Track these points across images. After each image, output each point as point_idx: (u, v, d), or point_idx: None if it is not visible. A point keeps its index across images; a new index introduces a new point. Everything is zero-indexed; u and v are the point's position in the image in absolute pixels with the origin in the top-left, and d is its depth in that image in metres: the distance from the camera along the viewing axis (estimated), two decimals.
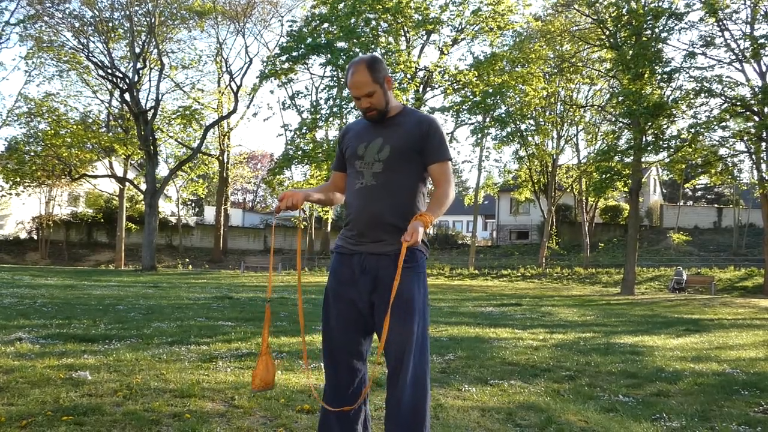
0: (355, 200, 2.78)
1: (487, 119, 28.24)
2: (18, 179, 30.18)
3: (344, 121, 25.72)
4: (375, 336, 2.88)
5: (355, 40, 24.39)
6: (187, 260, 36.42)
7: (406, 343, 2.65)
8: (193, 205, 55.85)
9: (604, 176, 22.82)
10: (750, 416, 4.43)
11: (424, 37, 28.42)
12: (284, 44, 26.52)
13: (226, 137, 39.28)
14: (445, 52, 27.91)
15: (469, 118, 28.64)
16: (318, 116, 25.85)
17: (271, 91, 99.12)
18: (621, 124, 24.90)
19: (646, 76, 21.09)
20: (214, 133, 37.79)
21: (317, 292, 16.66)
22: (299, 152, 25.53)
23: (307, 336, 7.62)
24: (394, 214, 2.71)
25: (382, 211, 2.70)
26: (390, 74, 2.83)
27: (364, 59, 2.76)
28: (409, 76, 24.66)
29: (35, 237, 38.59)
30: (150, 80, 32.33)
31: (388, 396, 2.71)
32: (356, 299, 2.73)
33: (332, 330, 2.79)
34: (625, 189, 25.09)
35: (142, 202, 33.48)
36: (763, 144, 21.76)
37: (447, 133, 2.91)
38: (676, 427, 4.08)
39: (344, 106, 24.85)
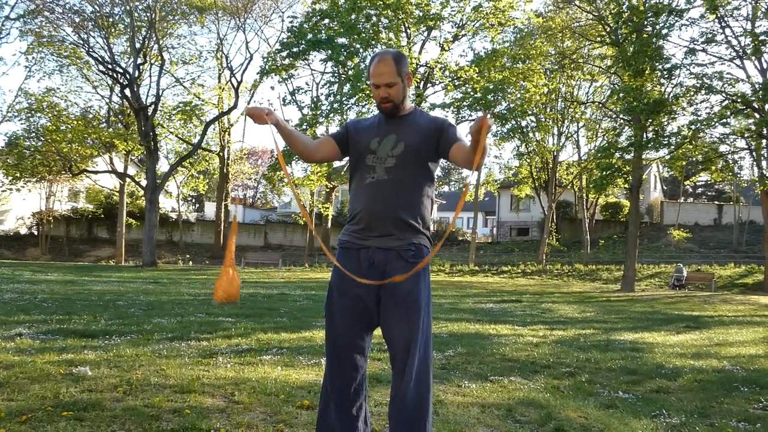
0: (365, 194, 2.77)
1: (488, 115, 28.15)
2: (18, 174, 30.17)
3: (345, 117, 25.69)
4: (375, 332, 2.89)
5: (355, 36, 24.37)
6: (188, 256, 36.39)
7: (412, 339, 2.67)
8: (193, 200, 55.87)
9: (604, 173, 22.80)
10: (749, 413, 4.43)
11: (425, 34, 28.39)
12: (285, 40, 26.50)
13: (227, 133, 39.25)
14: (446, 48, 27.87)
15: (470, 115, 28.59)
16: (319, 112, 25.83)
17: (272, 87, 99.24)
18: (621, 121, 24.90)
19: (646, 72, 21.06)
20: (214, 129, 37.77)
21: (318, 288, 16.68)
22: None
23: (307, 332, 7.63)
24: (404, 210, 2.73)
25: (393, 205, 2.71)
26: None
27: (390, 51, 2.82)
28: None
29: (35, 232, 38.61)
30: (150, 76, 32.33)
31: (393, 391, 2.72)
32: (362, 294, 2.73)
33: (337, 327, 2.78)
34: (626, 186, 25.08)
35: (143, 198, 33.46)
36: (764, 141, 21.75)
37: None
38: (675, 423, 4.08)
39: (345, 102, 24.84)
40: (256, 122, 2.66)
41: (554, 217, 37.83)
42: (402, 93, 2.78)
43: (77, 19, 29.75)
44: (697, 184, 51.69)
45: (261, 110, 2.67)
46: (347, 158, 2.94)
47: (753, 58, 21.08)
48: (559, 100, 34.13)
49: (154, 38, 29.99)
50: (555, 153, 35.36)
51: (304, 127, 25.41)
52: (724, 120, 21.24)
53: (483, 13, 26.29)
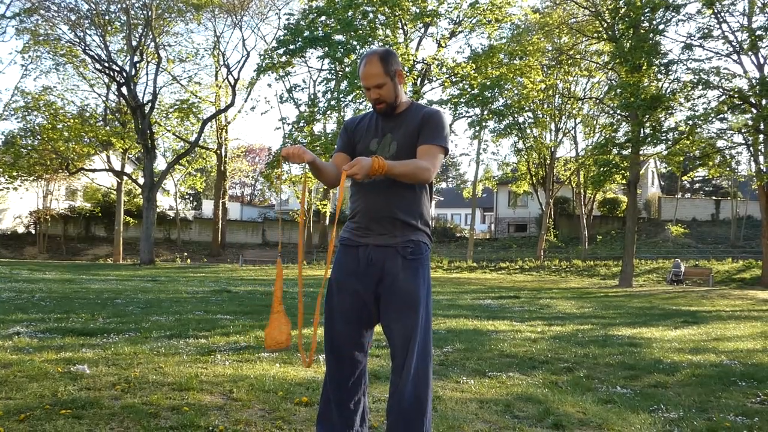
0: (364, 194, 2.79)
1: (485, 112, 28.21)
2: (15, 173, 30.09)
3: (342, 114, 25.67)
4: (374, 329, 2.90)
5: (352, 33, 24.33)
6: (186, 254, 36.37)
7: (411, 335, 2.67)
8: (191, 198, 55.77)
9: (602, 169, 22.82)
10: (747, 407, 4.44)
11: (422, 30, 28.36)
12: (281, 37, 26.45)
13: (224, 131, 39.22)
14: (443, 44, 27.84)
15: (467, 111, 28.61)
16: (316, 109, 25.80)
17: (269, 85, 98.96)
18: (619, 117, 24.90)
19: (643, 68, 21.06)
20: (211, 127, 37.73)
21: (316, 285, 16.66)
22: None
23: (305, 329, 7.62)
24: (400, 209, 2.74)
25: (389, 205, 2.73)
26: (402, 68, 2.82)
27: (377, 51, 2.77)
28: (406, 69, 24.60)
29: (33, 231, 38.54)
30: (147, 74, 32.29)
31: (392, 387, 2.72)
32: (361, 291, 2.74)
33: (336, 323, 2.79)
34: (623, 181, 25.09)
35: (140, 196, 33.42)
36: (761, 136, 21.76)
37: None
38: (673, 418, 4.09)
39: (342, 99, 24.80)
40: (293, 162, 2.60)
41: (552, 213, 37.88)
42: (393, 91, 2.77)
43: (73, 17, 29.68)
44: (695, 179, 51.77)
45: (296, 149, 2.58)
46: None
47: (750, 53, 21.08)
48: (557, 96, 34.15)
49: (151, 36, 29.92)
50: (552, 149, 35.40)
51: (301, 124, 25.38)
52: (721, 115, 21.25)
53: (480, 9, 26.26)
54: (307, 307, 10.63)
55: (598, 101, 31.11)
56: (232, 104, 33.87)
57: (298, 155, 2.55)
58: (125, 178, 33.41)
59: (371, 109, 2.92)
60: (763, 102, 20.39)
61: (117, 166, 34.59)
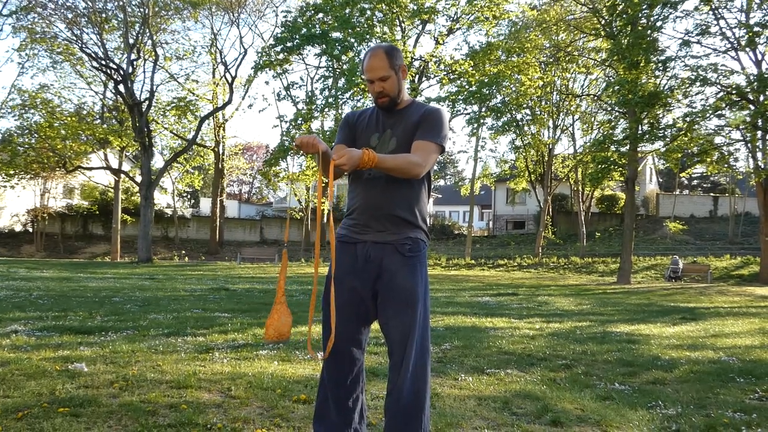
0: (363, 190, 2.79)
1: (483, 109, 28.19)
2: (12, 171, 30.02)
3: (340, 111, 25.65)
4: (373, 326, 2.89)
5: (350, 30, 24.30)
6: (183, 252, 36.34)
7: (408, 332, 2.67)
8: (188, 196, 55.68)
9: (600, 166, 22.82)
10: (745, 403, 4.44)
11: (420, 27, 28.33)
12: (279, 35, 26.41)
13: (222, 128, 39.17)
14: (441, 41, 27.82)
15: (465, 108, 28.58)
16: (313, 107, 25.78)
17: (266, 82, 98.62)
18: (617, 114, 24.90)
19: (641, 65, 21.05)
20: (209, 125, 37.69)
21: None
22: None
23: (303, 327, 7.62)
24: (400, 206, 2.73)
25: (388, 202, 2.72)
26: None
27: (382, 45, 2.79)
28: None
29: (30, 229, 38.47)
30: (144, 71, 32.29)
31: (390, 384, 2.72)
32: (359, 288, 2.74)
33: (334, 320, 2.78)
34: (621, 178, 25.10)
35: (138, 194, 33.38)
36: (759, 132, 21.77)
37: None
38: (671, 414, 4.09)
39: (340, 96, 24.77)
40: (306, 151, 2.58)
41: (550, 210, 37.89)
42: (397, 86, 2.77)
43: (70, 15, 29.57)
44: (693, 176, 51.82)
45: (310, 139, 2.57)
46: None
47: (747, 49, 21.09)
48: (554, 93, 34.12)
49: (148, 34, 29.85)
50: (550, 146, 35.39)
51: (299, 121, 25.34)
52: (719, 112, 21.25)
53: (477, 6, 26.25)
54: (303, 304, 10.63)
55: (596, 98, 31.09)
56: (229, 102, 33.85)
57: (312, 145, 2.55)
58: (123, 176, 33.35)
59: (371, 106, 2.92)
60: (761, 98, 20.40)
61: (114, 164, 34.52)
